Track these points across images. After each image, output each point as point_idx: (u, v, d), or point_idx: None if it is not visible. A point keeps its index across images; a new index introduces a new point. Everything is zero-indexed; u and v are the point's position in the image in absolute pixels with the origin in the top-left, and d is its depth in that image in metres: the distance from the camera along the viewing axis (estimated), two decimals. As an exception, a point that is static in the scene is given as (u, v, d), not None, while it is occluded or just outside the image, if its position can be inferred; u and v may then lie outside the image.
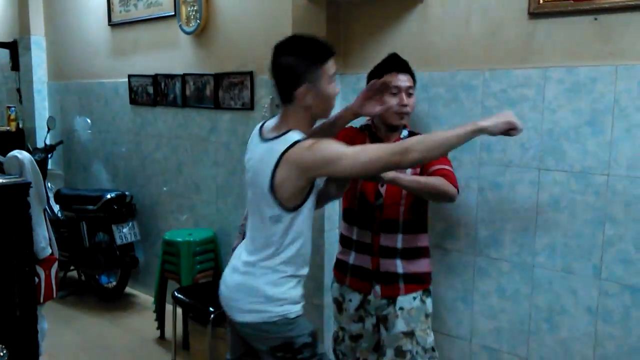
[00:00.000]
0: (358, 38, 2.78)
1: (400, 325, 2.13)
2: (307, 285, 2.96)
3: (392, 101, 2.09)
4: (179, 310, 3.26)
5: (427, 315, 2.18)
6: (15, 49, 5.12)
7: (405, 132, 2.20)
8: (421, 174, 2.10)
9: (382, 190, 2.15)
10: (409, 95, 2.13)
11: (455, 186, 2.02)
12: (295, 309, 1.82)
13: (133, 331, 3.63)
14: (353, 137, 2.21)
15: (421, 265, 2.19)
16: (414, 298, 2.15)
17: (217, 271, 3.54)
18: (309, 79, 1.70)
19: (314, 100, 1.73)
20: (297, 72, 1.70)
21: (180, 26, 3.62)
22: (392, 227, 2.15)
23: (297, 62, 1.71)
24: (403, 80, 2.12)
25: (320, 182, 1.85)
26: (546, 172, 2.23)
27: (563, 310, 2.24)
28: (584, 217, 2.16)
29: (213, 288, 3.25)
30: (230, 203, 3.58)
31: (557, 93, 2.17)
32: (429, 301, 2.19)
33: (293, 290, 1.83)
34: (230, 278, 1.89)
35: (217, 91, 3.50)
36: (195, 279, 3.36)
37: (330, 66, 1.75)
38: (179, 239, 3.36)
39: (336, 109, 2.87)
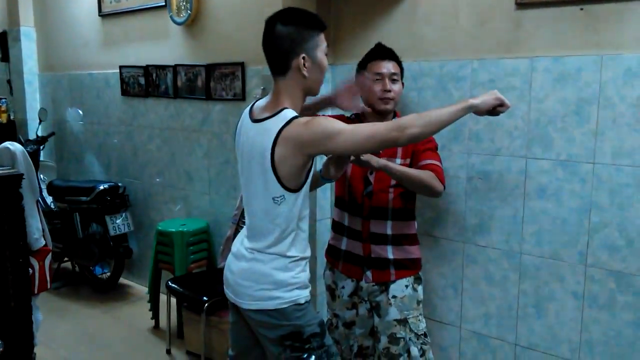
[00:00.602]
0: (348, 29, 2.79)
1: (394, 313, 2.17)
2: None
3: (376, 87, 2.14)
4: (173, 300, 3.29)
5: (418, 302, 2.21)
6: (5, 40, 5.07)
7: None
8: (411, 165, 2.13)
9: (372, 178, 2.18)
10: (393, 81, 2.16)
11: (442, 182, 2.07)
12: (305, 294, 1.78)
13: (127, 321, 3.65)
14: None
15: (411, 252, 2.22)
16: (406, 286, 2.19)
17: (211, 261, 3.57)
18: (307, 48, 1.69)
19: (310, 71, 1.70)
20: (296, 41, 1.68)
21: (171, 17, 3.61)
22: (381, 214, 2.18)
23: (295, 31, 1.69)
24: (387, 67, 2.16)
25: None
26: (533, 161, 2.26)
27: (550, 296, 2.29)
28: (570, 204, 2.20)
29: (206, 278, 3.29)
30: (223, 193, 3.60)
31: (544, 82, 2.20)
32: (420, 288, 2.23)
33: (302, 273, 1.79)
34: (236, 265, 1.83)
35: (208, 82, 3.51)
36: (189, 268, 3.39)
37: (324, 38, 1.75)
38: (173, 230, 3.38)
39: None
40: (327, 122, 1.63)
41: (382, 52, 2.21)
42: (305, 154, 1.66)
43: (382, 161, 1.98)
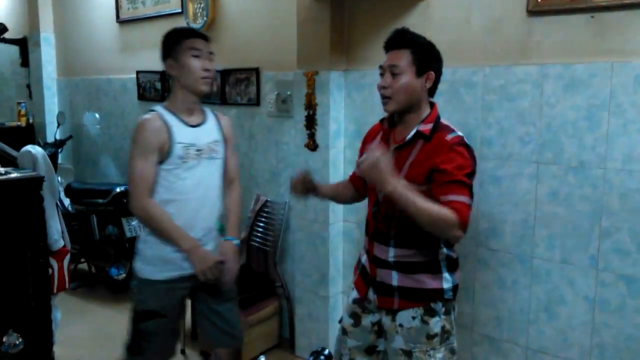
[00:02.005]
0: (362, 35, 2.84)
1: (399, 342, 1.89)
2: (312, 277, 3.05)
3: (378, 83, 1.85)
4: (188, 301, 3.33)
5: (429, 336, 1.85)
6: (25, 45, 5.20)
7: (417, 129, 1.82)
8: (431, 196, 1.72)
9: (380, 197, 1.88)
10: (393, 75, 1.79)
11: (464, 227, 1.70)
12: (146, 271, 2.13)
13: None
14: (371, 136, 2.07)
15: (421, 281, 1.85)
16: (413, 317, 1.86)
17: (225, 263, 3.61)
18: (169, 55, 2.09)
19: (177, 71, 2.08)
20: (164, 49, 2.13)
21: (187, 23, 3.68)
22: (383, 238, 1.90)
23: (162, 42, 2.15)
24: (388, 58, 1.83)
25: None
26: (545, 166, 2.29)
27: (561, 300, 2.31)
28: (581, 209, 2.22)
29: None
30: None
31: (555, 89, 2.23)
32: (433, 321, 1.85)
33: (149, 250, 2.11)
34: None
35: (223, 87, 3.57)
36: (203, 270, 3.44)
37: (190, 44, 2.07)
38: (188, 232, 3.44)
39: (340, 110, 2.94)
40: (137, 137, 2.05)
41: (388, 41, 1.86)
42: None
43: (390, 187, 1.65)
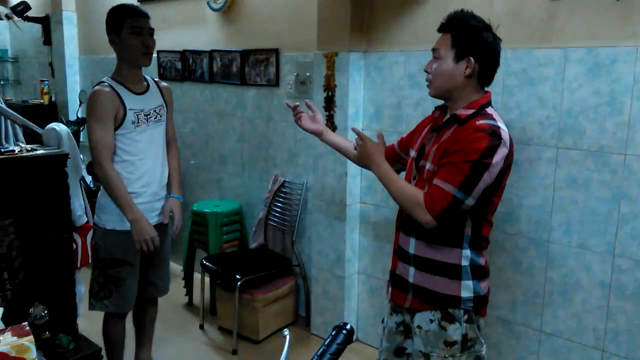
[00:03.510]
0: (382, 16, 2.82)
1: (418, 344, 1.81)
2: (328, 257, 3.09)
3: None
4: (207, 278, 3.41)
5: (448, 344, 1.75)
6: (48, 23, 5.24)
7: (452, 114, 1.74)
8: (426, 179, 1.73)
9: (413, 183, 1.80)
10: (435, 59, 1.74)
11: (433, 212, 1.62)
12: (110, 224, 2.37)
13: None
14: (426, 122, 1.95)
15: (437, 284, 1.75)
16: (431, 320, 1.77)
17: (243, 241, 3.68)
18: (113, 31, 2.27)
19: (119, 46, 2.27)
20: (107, 26, 2.29)
21: (208, 3, 3.69)
22: (406, 228, 1.82)
23: (106, 19, 2.30)
24: (436, 43, 1.76)
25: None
26: (564, 151, 2.28)
27: (577, 285, 2.32)
28: (599, 195, 2.21)
29: (239, 257, 3.40)
30: (255, 177, 3.69)
31: (577, 73, 2.21)
32: (452, 328, 1.74)
33: (112, 204, 2.31)
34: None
35: (243, 67, 3.59)
36: (222, 248, 3.50)
37: (131, 22, 2.24)
38: (207, 210, 3.50)
39: (359, 92, 2.93)
40: (92, 104, 2.25)
41: (440, 25, 1.77)
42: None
43: (377, 165, 1.79)
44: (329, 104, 2.95)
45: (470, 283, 1.74)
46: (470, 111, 1.68)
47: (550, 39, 2.27)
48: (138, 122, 2.32)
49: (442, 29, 1.74)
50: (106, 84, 2.28)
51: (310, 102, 2.25)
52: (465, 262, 1.73)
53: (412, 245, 1.79)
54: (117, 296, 2.45)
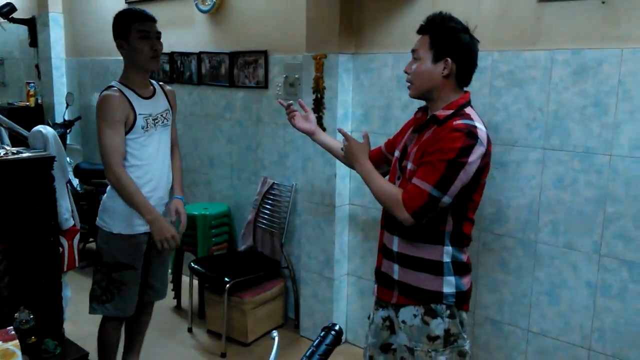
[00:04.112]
0: (371, 18, 2.83)
1: (403, 338, 1.85)
2: (317, 259, 3.09)
3: None
4: (195, 281, 3.39)
5: (431, 338, 1.79)
6: (34, 25, 5.20)
7: (432, 114, 1.78)
8: (408, 179, 1.76)
9: (398, 183, 1.84)
10: (414, 60, 1.78)
11: (411, 209, 1.67)
12: (117, 228, 2.33)
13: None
14: (409, 123, 1.99)
15: (421, 280, 1.79)
16: (414, 315, 1.81)
17: (231, 244, 3.66)
18: (120, 36, 2.27)
19: (128, 50, 2.26)
20: (115, 30, 2.30)
21: (196, 5, 3.68)
22: (390, 226, 1.86)
23: (113, 23, 2.31)
24: (415, 45, 1.80)
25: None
26: (551, 152, 2.30)
27: (563, 285, 2.34)
28: (586, 195, 2.24)
29: (227, 260, 3.39)
30: (244, 179, 3.68)
31: (564, 75, 2.23)
32: (435, 323, 1.78)
33: (124, 209, 2.29)
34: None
35: (232, 69, 3.58)
36: (210, 250, 3.49)
37: (139, 26, 2.25)
38: (196, 213, 3.48)
39: (348, 94, 2.94)
40: (102, 108, 2.23)
41: (419, 27, 1.81)
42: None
43: (360, 164, 1.89)
44: (318, 105, 2.95)
45: (452, 279, 1.78)
46: (449, 112, 1.72)
47: (536, 41, 2.29)
48: (147, 127, 2.30)
49: (421, 30, 1.78)
50: (115, 88, 2.27)
51: (303, 102, 2.26)
52: (447, 259, 1.77)
53: (395, 243, 1.84)
54: (119, 300, 2.43)
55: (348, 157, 1.97)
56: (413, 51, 1.78)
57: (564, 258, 2.32)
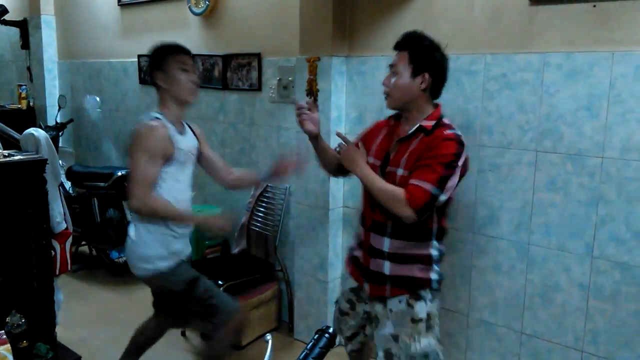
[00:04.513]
0: (364, 21, 2.84)
1: (389, 327, 2.02)
2: (311, 261, 3.09)
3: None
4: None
5: (414, 320, 1.97)
6: (25, 27, 5.18)
7: (418, 125, 1.95)
8: (398, 183, 1.92)
9: None
10: (393, 74, 1.97)
11: (414, 206, 1.82)
12: (164, 264, 2.26)
13: (144, 304, 3.70)
14: (375, 130, 2.18)
15: (412, 270, 1.99)
16: (400, 301, 2.00)
17: (225, 247, 3.66)
18: (161, 68, 2.25)
19: (168, 83, 2.24)
20: (153, 63, 2.30)
21: (189, 7, 3.68)
22: (380, 229, 2.01)
23: (151, 56, 2.33)
24: (394, 60, 1.99)
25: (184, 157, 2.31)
26: (543, 154, 2.31)
27: (556, 286, 2.35)
28: (578, 197, 2.25)
29: (221, 262, 3.38)
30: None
31: (556, 78, 2.25)
32: (419, 305, 1.98)
33: (160, 248, 2.25)
34: (128, 239, 2.33)
35: (225, 72, 3.58)
36: (204, 253, 3.48)
37: (179, 59, 2.25)
38: (188, 216, 3.47)
39: (341, 97, 2.95)
40: (142, 139, 2.17)
41: (395, 44, 2.01)
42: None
43: (361, 168, 1.97)
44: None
45: (437, 267, 2.04)
46: (433, 122, 1.94)
47: (529, 44, 2.31)
48: (184, 162, 2.29)
49: (399, 47, 1.97)
50: (160, 121, 2.23)
51: (312, 102, 2.28)
52: (435, 252, 2.02)
53: (386, 244, 2.00)
54: (219, 302, 2.36)
55: (346, 160, 2.03)
56: (392, 66, 1.98)
57: (557, 260, 2.33)
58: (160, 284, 2.34)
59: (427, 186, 1.82)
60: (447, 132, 1.91)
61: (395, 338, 2.00)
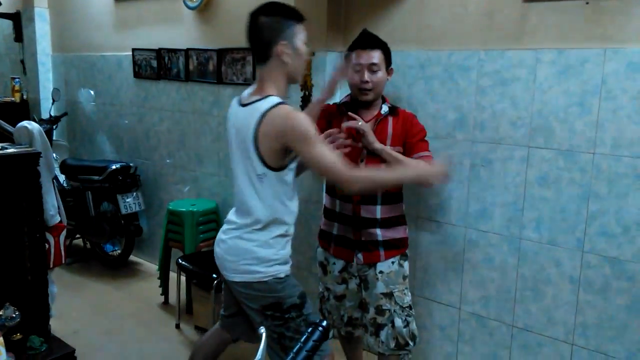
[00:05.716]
0: (358, 16, 2.85)
1: (380, 287, 2.26)
2: (304, 255, 3.09)
3: (356, 78, 2.20)
4: (183, 277, 3.39)
5: (404, 277, 2.30)
6: (19, 20, 5.14)
7: (385, 108, 2.26)
8: (403, 154, 2.20)
9: (362, 165, 2.21)
10: (373, 72, 2.18)
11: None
12: (285, 269, 1.95)
13: (138, 297, 3.76)
14: (331, 117, 2.32)
15: (399, 232, 2.30)
16: (392, 262, 2.27)
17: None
18: (287, 36, 1.84)
19: (291, 57, 1.86)
20: (276, 30, 1.84)
21: (184, 1, 3.66)
22: (371, 199, 2.24)
23: (275, 21, 1.85)
24: (365, 57, 2.18)
25: None
26: (535, 150, 2.33)
27: (547, 280, 2.37)
28: (569, 192, 2.27)
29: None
30: (232, 175, 3.67)
31: (548, 74, 2.26)
32: (406, 264, 2.32)
33: (282, 250, 1.95)
34: (224, 239, 1.99)
35: (219, 66, 3.57)
36: (198, 247, 3.49)
37: (303, 29, 1.89)
38: (183, 209, 3.48)
39: (336, 92, 2.95)
40: (309, 127, 1.77)
41: (363, 41, 2.22)
42: (281, 142, 1.80)
43: (379, 145, 2.15)
44: (306, 103, 2.96)
45: (406, 227, 2.37)
46: (389, 105, 2.29)
47: (522, 41, 2.32)
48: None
49: (375, 46, 2.20)
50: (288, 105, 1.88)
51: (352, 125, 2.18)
52: (405, 212, 2.39)
53: (379, 211, 2.25)
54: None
55: (367, 138, 2.15)
56: (373, 64, 2.18)
57: (548, 254, 2.36)
58: (272, 293, 1.92)
59: (430, 154, 2.21)
60: (409, 112, 2.34)
61: (387, 295, 2.26)
